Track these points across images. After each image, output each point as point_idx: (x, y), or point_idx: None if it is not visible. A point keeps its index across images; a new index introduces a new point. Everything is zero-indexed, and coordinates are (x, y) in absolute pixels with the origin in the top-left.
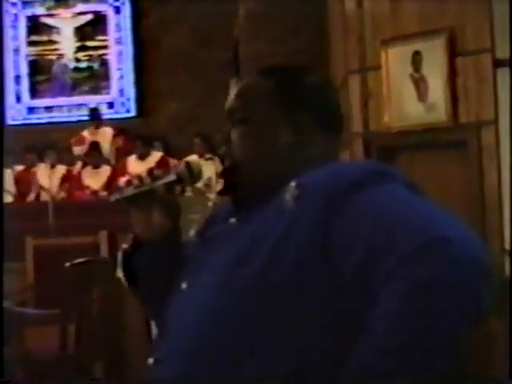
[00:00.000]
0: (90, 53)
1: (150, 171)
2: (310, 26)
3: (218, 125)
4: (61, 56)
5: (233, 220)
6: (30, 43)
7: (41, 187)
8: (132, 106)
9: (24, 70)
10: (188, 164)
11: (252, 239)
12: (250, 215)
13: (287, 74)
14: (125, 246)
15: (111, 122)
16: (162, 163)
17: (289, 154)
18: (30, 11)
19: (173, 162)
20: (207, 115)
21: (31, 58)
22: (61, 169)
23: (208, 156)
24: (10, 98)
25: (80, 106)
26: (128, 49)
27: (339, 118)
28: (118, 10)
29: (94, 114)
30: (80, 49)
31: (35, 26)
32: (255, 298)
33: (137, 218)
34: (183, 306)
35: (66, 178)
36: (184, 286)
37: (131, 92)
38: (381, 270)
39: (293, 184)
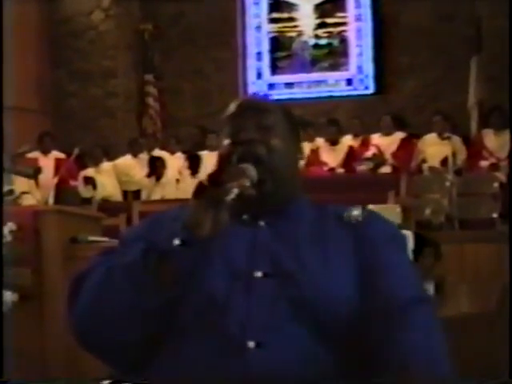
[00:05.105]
0: (330, 30)
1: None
2: None
3: (459, 103)
4: (301, 33)
5: (262, 223)
6: (271, 20)
7: None
8: (370, 83)
9: (265, 46)
10: None
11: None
12: (275, 220)
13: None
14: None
15: (350, 99)
16: (406, 142)
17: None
18: None
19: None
20: (447, 93)
21: (272, 35)
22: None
23: (446, 135)
24: (251, 74)
25: (319, 82)
26: (367, 25)
27: None
28: None
29: None
30: (319, 26)
31: (276, 3)
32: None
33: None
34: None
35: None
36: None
37: (370, 69)
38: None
39: (358, 208)
